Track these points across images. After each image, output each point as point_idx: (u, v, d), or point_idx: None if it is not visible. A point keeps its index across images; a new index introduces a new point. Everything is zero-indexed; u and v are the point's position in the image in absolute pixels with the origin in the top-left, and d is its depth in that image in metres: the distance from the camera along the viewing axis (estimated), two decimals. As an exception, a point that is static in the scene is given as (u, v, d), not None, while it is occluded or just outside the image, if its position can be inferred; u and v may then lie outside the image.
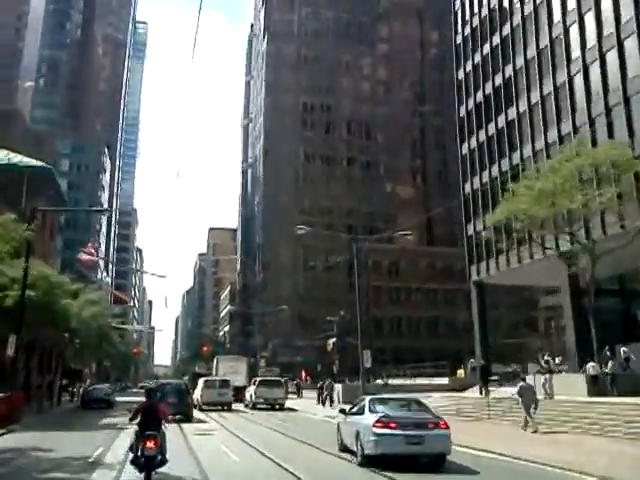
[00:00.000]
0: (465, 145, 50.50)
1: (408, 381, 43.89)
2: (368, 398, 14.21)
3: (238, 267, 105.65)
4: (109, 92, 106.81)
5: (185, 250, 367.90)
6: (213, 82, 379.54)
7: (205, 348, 77.06)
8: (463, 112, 51.02)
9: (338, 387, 42.71)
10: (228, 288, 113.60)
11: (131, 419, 10.72)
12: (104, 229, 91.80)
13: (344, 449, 14.45)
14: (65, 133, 78.52)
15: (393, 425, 12.16)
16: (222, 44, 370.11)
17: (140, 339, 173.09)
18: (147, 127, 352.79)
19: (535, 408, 19.41)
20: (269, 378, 38.52)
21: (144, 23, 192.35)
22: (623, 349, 27.91)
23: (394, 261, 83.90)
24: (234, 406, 36.84)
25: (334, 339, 60.86)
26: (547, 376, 23.30)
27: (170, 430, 13.86)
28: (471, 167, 49.32)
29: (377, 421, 12.29)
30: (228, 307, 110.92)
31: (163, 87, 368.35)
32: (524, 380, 21.20)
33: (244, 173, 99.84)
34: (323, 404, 39.51)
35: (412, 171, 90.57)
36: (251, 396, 35.79)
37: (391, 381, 46.67)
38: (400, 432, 12.07)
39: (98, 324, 32.77)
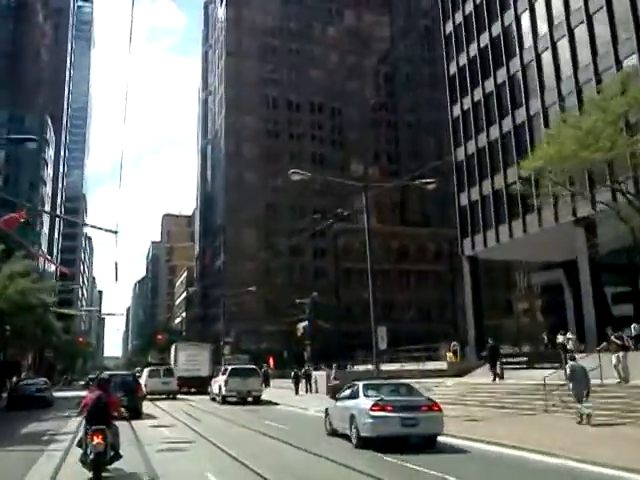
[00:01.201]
0: (457, 107, 45.26)
1: (403, 366, 38.53)
2: (362, 383, 14.54)
3: (196, 251, 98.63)
4: (52, 65, 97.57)
5: (137, 239, 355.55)
6: (167, 59, 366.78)
7: (160, 337, 70.38)
8: (454, 69, 45.74)
9: (316, 375, 37.60)
10: (185, 274, 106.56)
11: (79, 413, 10.12)
12: (47, 207, 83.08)
13: (333, 433, 15.05)
14: (1, 103, 69.98)
15: (389, 408, 12.73)
16: (173, 15, 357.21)
17: (89, 329, 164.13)
18: (98, 111, 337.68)
19: (587, 395, 15.66)
20: (243, 366, 32.42)
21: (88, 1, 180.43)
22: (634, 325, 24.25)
23: (364, 242, 78.56)
24: (200, 400, 32.22)
25: (304, 323, 54.97)
26: (620, 354, 18.11)
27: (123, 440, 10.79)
28: (464, 131, 44.14)
29: (374, 405, 12.82)
30: (184, 294, 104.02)
31: (113, 71, 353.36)
32: (573, 359, 16.67)
33: (203, 150, 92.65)
34: (297, 393, 35.29)
35: (382, 149, 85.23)
36: (220, 388, 29.64)
37: (382, 367, 41.40)
38: (396, 415, 12.63)
39: (30, 303, 25.96)
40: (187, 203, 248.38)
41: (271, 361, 49.77)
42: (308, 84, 79.49)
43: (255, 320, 68.53)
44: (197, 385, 41.27)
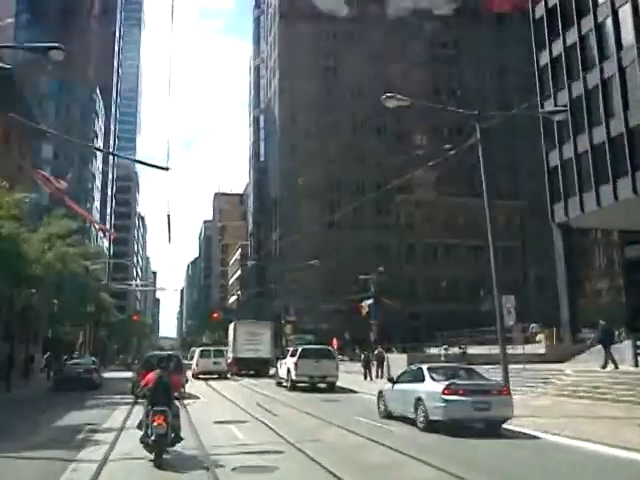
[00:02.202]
0: (545, 53, 39.62)
1: (490, 350, 33.89)
2: (425, 366, 14.57)
3: (250, 228, 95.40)
4: (102, 35, 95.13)
5: (189, 220, 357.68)
6: (216, 40, 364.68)
7: (215, 315, 67.40)
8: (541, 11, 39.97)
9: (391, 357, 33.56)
10: (239, 251, 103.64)
11: (138, 394, 10.11)
12: (98, 186, 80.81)
13: (388, 415, 14.94)
14: (51, 72, 67.61)
15: (461, 392, 12.59)
16: None
17: (144, 309, 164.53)
18: (149, 94, 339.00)
19: None
20: (316, 347, 28.26)
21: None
22: None
23: (430, 215, 73.45)
24: (263, 384, 28.99)
25: (370, 301, 50.61)
26: None
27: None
28: (554, 80, 38.54)
29: (446, 388, 12.65)
30: (238, 272, 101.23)
31: (163, 54, 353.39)
32: None
33: (256, 121, 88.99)
34: (371, 378, 31.41)
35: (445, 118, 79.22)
36: (289, 371, 25.68)
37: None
38: (468, 398, 12.49)
39: (72, 271, 22.53)
40: (238, 182, 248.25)
41: (335, 342, 45.47)
42: (366, 49, 74.24)
43: (314, 298, 64.59)
44: (258, 367, 37.87)
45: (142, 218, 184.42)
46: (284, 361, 27.35)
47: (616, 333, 26.14)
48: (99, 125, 76.52)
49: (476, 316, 57.51)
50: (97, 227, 38.64)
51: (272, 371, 36.69)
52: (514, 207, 75.60)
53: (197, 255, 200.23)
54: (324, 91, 74.86)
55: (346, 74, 74.14)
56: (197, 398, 20.74)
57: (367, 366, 32.90)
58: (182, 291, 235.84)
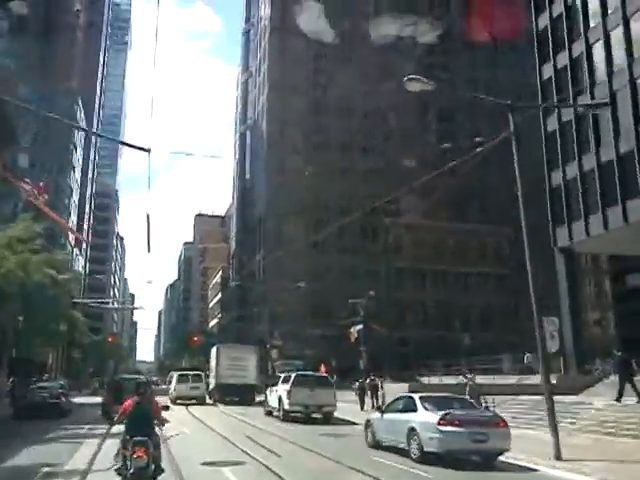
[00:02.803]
0: (548, 66, 38.15)
1: (494, 379, 31.71)
2: (417, 395, 14.26)
3: (232, 248, 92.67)
4: (86, 52, 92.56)
5: (169, 242, 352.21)
6: (202, 62, 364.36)
7: (195, 339, 64.33)
8: (545, 22, 38.60)
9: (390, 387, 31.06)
10: (219, 273, 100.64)
11: (116, 421, 9.08)
12: (75, 200, 77.56)
13: (376, 445, 14.57)
14: (31, 80, 65.05)
15: (457, 423, 12.20)
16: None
17: (121, 332, 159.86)
18: (132, 114, 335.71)
19: None
20: (311, 373, 25.66)
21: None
22: None
23: (419, 240, 71.55)
24: (249, 412, 26.38)
25: (359, 326, 48.13)
26: None
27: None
28: (558, 94, 37.04)
29: (442, 419, 12.26)
30: (219, 295, 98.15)
31: (149, 75, 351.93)
32: None
33: (242, 138, 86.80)
34: (365, 407, 28.96)
35: (437, 129, 77.80)
36: (281, 400, 23.09)
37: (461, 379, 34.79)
38: (465, 430, 12.11)
39: (37, 281, 19.73)
40: (220, 205, 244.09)
41: (323, 368, 42.85)
42: (355, 68, 72.87)
43: (299, 322, 61.90)
44: (243, 394, 35.09)
45: (121, 239, 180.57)
46: (274, 388, 24.75)
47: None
48: (79, 137, 73.68)
49: (472, 343, 55.65)
50: (69, 234, 35.18)
51: (258, 398, 34.73)
52: (503, 232, 74.13)
53: (176, 278, 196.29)
54: (313, 108, 73.20)
55: (335, 92, 72.56)
56: (179, 429, 18.09)
57: (363, 395, 30.41)
58: (160, 314, 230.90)
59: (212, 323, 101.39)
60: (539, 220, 72.79)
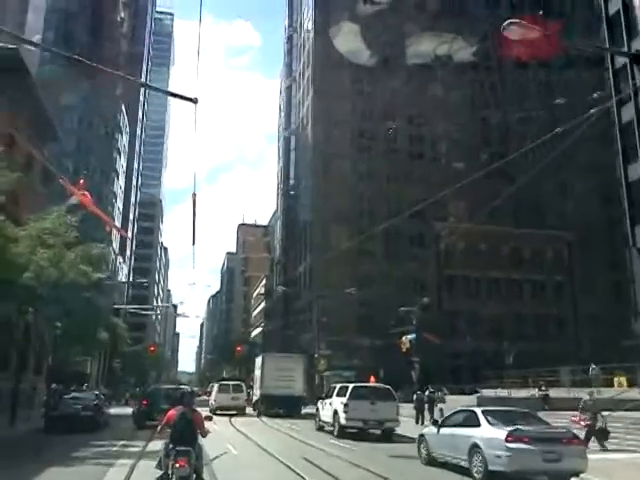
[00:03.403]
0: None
1: (564, 393, 28.56)
2: (479, 409, 13.05)
3: (277, 255, 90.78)
4: (130, 64, 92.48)
5: (212, 254, 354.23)
6: (243, 77, 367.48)
7: (239, 349, 62.44)
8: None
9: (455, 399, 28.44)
10: (263, 282, 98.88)
11: (160, 430, 9.03)
12: (119, 207, 76.75)
13: (431, 462, 13.64)
14: (75, 86, 64.56)
15: (527, 439, 11.06)
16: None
17: (163, 342, 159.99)
18: (175, 130, 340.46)
19: None
20: (372, 385, 23.04)
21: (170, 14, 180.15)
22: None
23: (470, 245, 68.13)
24: (297, 427, 24.30)
25: (411, 336, 45.18)
26: None
27: None
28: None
29: (509, 434, 11.09)
30: (262, 304, 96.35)
31: (191, 89, 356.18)
32: None
33: (286, 143, 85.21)
34: (422, 422, 26.22)
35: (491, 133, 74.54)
36: (336, 414, 20.60)
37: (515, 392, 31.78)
38: (536, 447, 10.96)
39: (72, 280, 17.67)
40: (262, 215, 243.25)
41: (372, 379, 40.10)
42: (400, 72, 70.48)
43: (346, 332, 59.25)
44: (289, 406, 32.90)
45: (165, 249, 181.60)
46: (328, 401, 22.28)
47: None
48: (122, 142, 72.97)
49: (524, 355, 52.22)
50: (113, 228, 33.00)
51: (304, 410, 33.19)
52: (561, 237, 70.24)
53: (219, 289, 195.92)
54: (358, 112, 71.04)
55: (379, 96, 70.36)
56: (224, 447, 15.77)
57: (421, 408, 27.74)
58: (202, 325, 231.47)
59: (255, 333, 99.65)
60: (606, 219, 68.40)
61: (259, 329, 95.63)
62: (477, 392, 37.46)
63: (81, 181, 28.27)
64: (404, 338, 46.00)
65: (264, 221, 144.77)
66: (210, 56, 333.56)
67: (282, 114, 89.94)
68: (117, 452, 14.33)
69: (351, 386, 21.28)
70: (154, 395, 24.59)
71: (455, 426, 13.15)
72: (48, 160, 34.09)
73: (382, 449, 16.91)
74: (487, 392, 34.83)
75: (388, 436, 20.18)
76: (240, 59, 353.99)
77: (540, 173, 61.81)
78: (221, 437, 18.81)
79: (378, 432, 20.55)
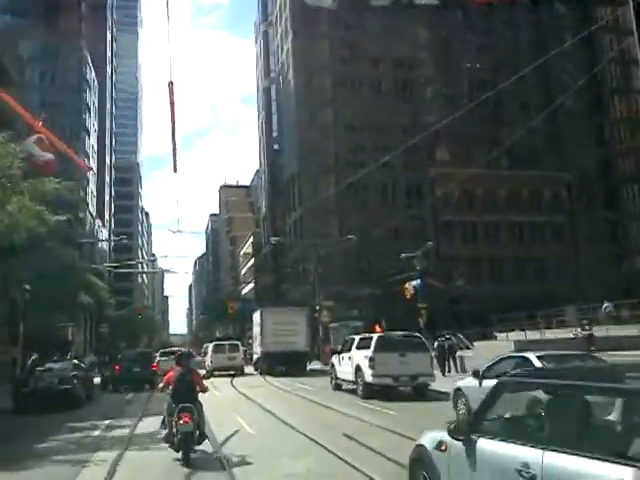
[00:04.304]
0: None
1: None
2: (532, 354, 10.83)
3: (263, 211, 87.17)
4: (95, 24, 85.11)
5: (194, 218, 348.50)
6: (212, 36, 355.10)
7: (232, 306, 59.60)
8: None
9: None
10: (250, 240, 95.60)
11: (162, 389, 9.56)
12: (93, 167, 71.79)
13: None
14: (34, 35, 59.08)
15: None
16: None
17: (153, 305, 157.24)
18: (147, 96, 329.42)
19: None
20: (400, 333, 19.90)
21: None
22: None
23: (467, 190, 65.09)
24: (308, 385, 22.39)
25: (416, 281, 42.26)
26: None
27: None
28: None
29: None
30: (251, 261, 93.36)
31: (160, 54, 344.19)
32: None
33: (266, 92, 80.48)
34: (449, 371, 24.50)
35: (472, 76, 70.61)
36: (358, 370, 17.56)
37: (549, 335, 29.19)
38: None
39: (28, 229, 14.05)
40: (244, 176, 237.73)
41: (378, 329, 37.14)
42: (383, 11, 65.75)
43: (343, 282, 56.45)
44: (293, 364, 30.16)
45: (147, 214, 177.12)
46: (346, 355, 19.19)
47: None
48: (92, 98, 67.78)
49: (525, 296, 50.05)
50: (77, 161, 28.38)
51: (309, 367, 31.69)
52: (558, 178, 67.54)
53: (204, 251, 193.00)
54: (342, 52, 66.62)
55: (361, 38, 65.84)
56: (234, 420, 12.68)
57: (445, 357, 25.04)
58: (190, 287, 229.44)
59: (245, 290, 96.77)
60: (602, 160, 65.41)
61: (250, 286, 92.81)
62: (494, 336, 35.08)
63: (40, 123, 24.34)
64: (408, 284, 43.20)
65: (246, 182, 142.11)
66: (178, 15, 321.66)
67: (260, 62, 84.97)
68: (98, 438, 11.14)
69: (376, 336, 18.21)
70: (126, 360, 25.73)
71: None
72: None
73: (424, 411, 13.96)
74: (515, 335, 32.17)
75: (421, 392, 17.24)
76: (209, 18, 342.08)
77: (533, 114, 59.33)
78: (226, 406, 15.79)
79: (408, 388, 17.61)
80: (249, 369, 33.85)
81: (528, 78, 67.76)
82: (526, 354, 11.31)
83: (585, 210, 67.14)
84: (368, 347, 17.53)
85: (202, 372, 25.15)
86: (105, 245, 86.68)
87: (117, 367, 24.86)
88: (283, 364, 30.11)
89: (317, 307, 39.49)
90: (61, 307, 28.15)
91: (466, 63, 72.17)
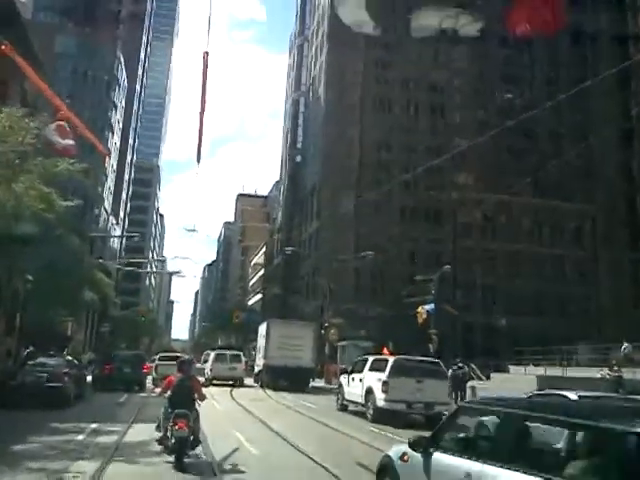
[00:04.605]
0: None
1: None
2: (572, 394, 9.56)
3: (279, 222, 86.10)
4: (131, 30, 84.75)
5: (209, 224, 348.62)
6: (248, 51, 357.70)
7: (237, 315, 58.37)
8: None
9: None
10: (263, 249, 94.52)
11: (161, 393, 9.62)
12: (112, 165, 71.19)
13: None
14: (71, 31, 59.00)
15: None
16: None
17: (157, 308, 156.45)
18: (175, 103, 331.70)
19: None
20: (418, 358, 18.55)
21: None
22: None
23: (489, 216, 63.73)
24: (321, 407, 20.13)
25: (429, 306, 40.85)
26: None
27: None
28: None
29: None
30: (261, 271, 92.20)
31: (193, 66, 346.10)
32: None
33: (294, 104, 79.92)
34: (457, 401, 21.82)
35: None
36: (369, 393, 16.29)
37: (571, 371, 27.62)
38: None
39: (32, 210, 12.85)
40: (262, 186, 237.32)
41: (386, 352, 35.64)
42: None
43: (353, 301, 55.06)
44: (296, 379, 28.95)
45: (161, 216, 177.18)
46: (357, 376, 17.91)
47: None
48: (119, 97, 67.31)
49: (540, 333, 48.45)
50: (95, 143, 26.49)
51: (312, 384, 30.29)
52: (587, 212, 65.70)
53: (215, 258, 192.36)
54: (375, 71, 65.86)
55: (397, 58, 65.03)
56: (233, 437, 11.47)
57: (459, 387, 23.61)
58: (197, 293, 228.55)
59: (252, 301, 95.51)
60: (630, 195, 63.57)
61: (257, 297, 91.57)
62: (507, 369, 33.66)
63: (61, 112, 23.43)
64: (421, 308, 41.81)
65: (264, 193, 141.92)
66: (214, 28, 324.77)
67: (292, 74, 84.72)
68: (80, 444, 9.92)
69: (392, 359, 16.89)
70: (118, 360, 25.48)
71: None
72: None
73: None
74: (532, 370, 30.69)
75: (434, 421, 15.89)
76: (244, 33, 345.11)
77: (564, 145, 58.24)
78: (225, 419, 14.60)
79: (418, 416, 16.31)
80: (248, 380, 32.83)
81: (561, 109, 67.00)
82: (565, 392, 10.13)
83: (609, 247, 65.34)
84: (383, 370, 16.27)
85: (201, 379, 24.28)
86: (116, 244, 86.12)
87: (107, 367, 24.71)
88: (286, 379, 28.88)
89: (326, 324, 38.13)
90: (63, 301, 27.04)
91: (500, 93, 71.09)
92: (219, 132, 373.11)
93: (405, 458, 5.66)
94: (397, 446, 6.17)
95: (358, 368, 18.31)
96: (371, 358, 18.23)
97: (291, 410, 18.86)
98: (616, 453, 3.88)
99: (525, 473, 4.12)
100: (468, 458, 4.79)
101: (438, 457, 5.18)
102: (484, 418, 5.47)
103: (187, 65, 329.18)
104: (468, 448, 5.03)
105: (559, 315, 59.02)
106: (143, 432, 10.54)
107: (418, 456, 5.39)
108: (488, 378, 32.91)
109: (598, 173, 66.38)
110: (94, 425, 12.06)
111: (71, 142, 20.07)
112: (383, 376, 15.85)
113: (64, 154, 18.03)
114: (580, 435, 4.37)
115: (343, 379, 19.61)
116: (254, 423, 14.63)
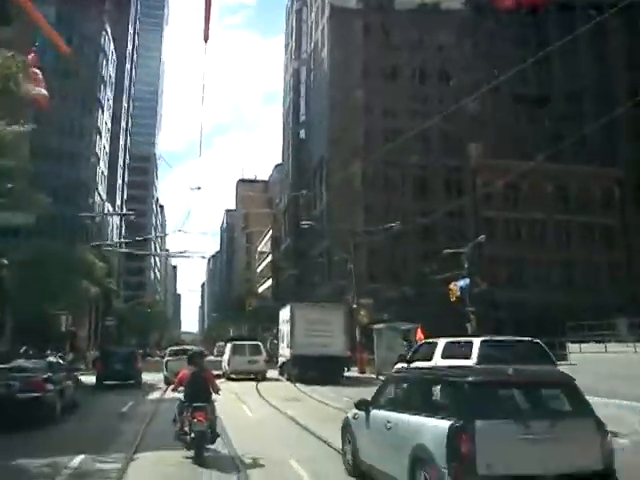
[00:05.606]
0: None
1: None
2: None
3: (284, 203, 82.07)
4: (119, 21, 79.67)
5: (210, 215, 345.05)
6: (238, 36, 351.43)
7: (250, 303, 54.54)
8: None
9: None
10: (269, 233, 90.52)
11: (174, 389, 9.59)
12: (104, 146, 66.06)
13: None
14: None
15: None
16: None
17: (164, 301, 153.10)
18: (168, 92, 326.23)
19: None
20: (510, 339, 14.31)
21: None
22: None
23: (511, 184, 59.40)
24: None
25: (463, 281, 36.82)
26: None
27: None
28: None
29: None
30: (269, 257, 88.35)
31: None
32: None
33: (295, 74, 75.54)
34: None
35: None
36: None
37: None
38: None
39: None
40: (261, 172, 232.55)
41: (419, 333, 31.54)
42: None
43: (374, 281, 51.19)
44: (327, 370, 25.08)
45: (161, 207, 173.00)
46: (425, 365, 13.89)
47: None
48: (108, 71, 62.47)
49: (573, 305, 44.80)
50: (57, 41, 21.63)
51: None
52: (614, 176, 61.34)
53: (218, 249, 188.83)
54: (381, 33, 61.36)
55: (401, 22, 60.60)
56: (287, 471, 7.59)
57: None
58: (203, 285, 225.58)
59: (262, 288, 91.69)
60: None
61: (267, 283, 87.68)
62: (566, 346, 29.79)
63: (30, 56, 19.45)
64: (453, 285, 37.75)
65: (264, 177, 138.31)
66: (202, 14, 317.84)
67: (290, 44, 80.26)
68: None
69: (477, 341, 12.84)
70: (110, 357, 24.56)
71: None
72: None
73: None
74: (588, 347, 26.82)
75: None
76: (234, 18, 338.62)
77: (585, 107, 54.06)
78: (262, 431, 10.65)
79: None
80: (271, 372, 29.44)
81: (581, 69, 62.67)
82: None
83: (638, 210, 61.03)
84: (462, 356, 12.27)
85: (216, 373, 20.76)
86: (115, 237, 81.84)
87: (99, 365, 24.29)
88: (316, 370, 24.98)
89: (354, 305, 34.17)
90: (52, 291, 23.09)
91: (513, 52, 66.53)
92: (215, 121, 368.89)
93: (356, 416, 8.05)
94: (354, 409, 8.15)
95: (423, 355, 14.33)
96: (442, 342, 14.18)
97: (339, 411, 14.88)
98: (459, 393, 6.11)
99: (419, 415, 6.37)
100: (390, 411, 7.16)
101: (374, 413, 7.55)
102: (402, 383, 7.83)
103: (178, 53, 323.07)
104: (391, 404, 7.41)
105: (591, 286, 55.08)
106: (150, 468, 6.77)
107: (362, 414, 7.78)
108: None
109: (620, 135, 62.31)
110: (78, 459, 8.05)
111: (45, 92, 17.80)
112: (470, 363, 11.82)
113: (34, 104, 15.67)
114: (443, 386, 6.60)
115: (400, 369, 15.63)
116: (306, 437, 10.60)
